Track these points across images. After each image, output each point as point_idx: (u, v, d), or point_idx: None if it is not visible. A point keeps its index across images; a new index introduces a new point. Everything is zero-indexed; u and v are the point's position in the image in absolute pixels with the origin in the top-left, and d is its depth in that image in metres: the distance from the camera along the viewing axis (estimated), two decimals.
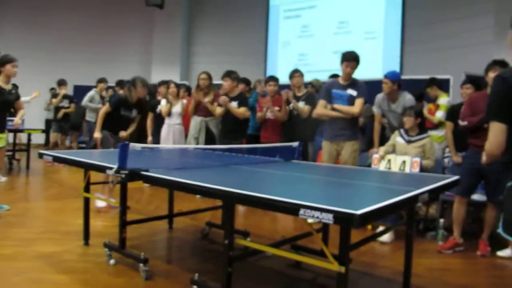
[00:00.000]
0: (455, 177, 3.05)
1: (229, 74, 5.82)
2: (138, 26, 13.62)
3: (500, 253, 4.01)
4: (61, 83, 9.47)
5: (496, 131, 1.73)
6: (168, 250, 4.12)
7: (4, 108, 4.78)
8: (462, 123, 4.14)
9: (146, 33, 13.40)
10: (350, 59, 4.66)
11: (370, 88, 6.59)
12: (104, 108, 5.36)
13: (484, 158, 1.91)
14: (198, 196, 6.00)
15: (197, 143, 6.14)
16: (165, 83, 7.04)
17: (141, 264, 3.12)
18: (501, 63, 3.95)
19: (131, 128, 5.49)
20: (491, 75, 3.95)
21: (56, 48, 13.22)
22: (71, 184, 6.83)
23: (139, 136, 6.79)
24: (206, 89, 6.24)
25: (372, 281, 3.37)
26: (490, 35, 8.17)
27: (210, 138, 6.22)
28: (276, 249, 2.66)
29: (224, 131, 5.90)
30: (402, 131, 4.68)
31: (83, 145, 10.36)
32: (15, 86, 5.25)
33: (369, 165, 4.73)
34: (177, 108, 6.50)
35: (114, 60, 13.16)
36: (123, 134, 5.34)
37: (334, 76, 5.99)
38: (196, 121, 6.31)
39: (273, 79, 5.96)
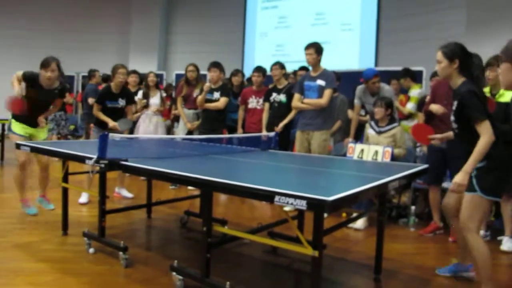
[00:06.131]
0: (424, 166, 3.19)
1: (217, 65, 5.80)
2: (115, 15, 13.41)
3: None
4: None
5: (489, 125, 2.55)
6: (147, 238, 4.17)
7: (34, 106, 4.35)
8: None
9: (124, 22, 13.20)
10: (307, 47, 4.86)
11: (347, 79, 6.70)
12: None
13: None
14: (171, 186, 6.06)
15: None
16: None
17: (120, 252, 3.17)
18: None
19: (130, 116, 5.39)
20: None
21: (29, 36, 12.88)
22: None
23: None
24: (194, 81, 6.15)
25: (346, 265, 3.50)
26: (462, 28, 8.40)
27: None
28: (253, 235, 2.75)
29: (205, 121, 5.91)
30: (372, 123, 4.82)
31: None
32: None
33: (344, 154, 4.85)
34: (155, 100, 6.46)
35: (90, 49, 12.95)
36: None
37: (303, 68, 6.11)
38: (188, 115, 6.18)
39: (258, 70, 6.01)
